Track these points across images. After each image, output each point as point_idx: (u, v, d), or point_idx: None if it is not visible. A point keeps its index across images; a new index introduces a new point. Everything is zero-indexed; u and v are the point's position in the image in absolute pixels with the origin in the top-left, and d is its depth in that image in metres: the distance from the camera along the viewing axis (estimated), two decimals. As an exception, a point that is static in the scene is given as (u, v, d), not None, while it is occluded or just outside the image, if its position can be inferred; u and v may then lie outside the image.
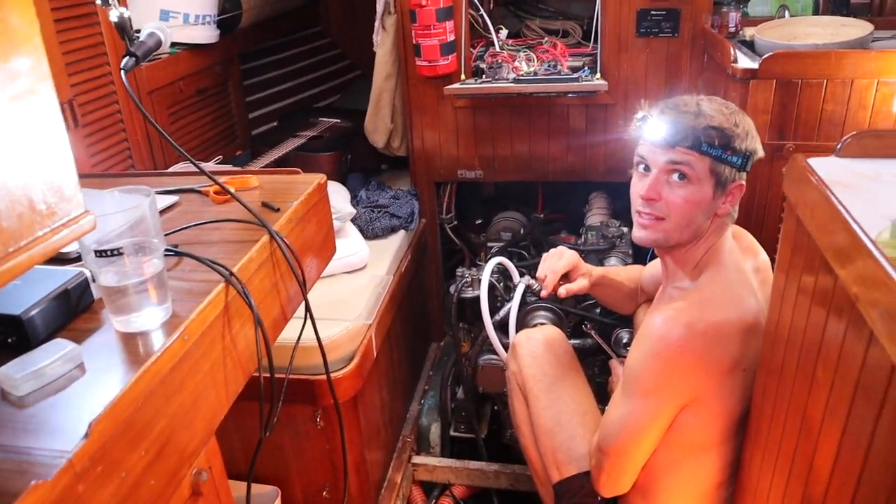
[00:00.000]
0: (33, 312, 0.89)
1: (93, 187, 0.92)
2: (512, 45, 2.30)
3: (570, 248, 2.18)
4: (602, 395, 1.96)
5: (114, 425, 0.76)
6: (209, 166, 2.37)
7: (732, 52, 1.81)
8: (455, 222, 2.64)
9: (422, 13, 2.08)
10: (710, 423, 1.32)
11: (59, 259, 1.10)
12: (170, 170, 2.30)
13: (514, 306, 1.98)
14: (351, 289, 1.95)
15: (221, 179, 1.38)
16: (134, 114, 2.26)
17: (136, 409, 0.80)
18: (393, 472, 2.16)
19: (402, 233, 2.28)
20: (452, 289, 2.11)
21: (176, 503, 0.89)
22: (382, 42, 2.34)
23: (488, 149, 2.40)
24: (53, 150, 0.69)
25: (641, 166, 1.39)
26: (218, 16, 2.42)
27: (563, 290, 1.76)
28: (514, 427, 1.76)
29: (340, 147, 2.45)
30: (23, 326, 0.88)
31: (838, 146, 1.09)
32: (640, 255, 2.29)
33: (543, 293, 1.78)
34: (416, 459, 2.24)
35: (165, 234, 1.17)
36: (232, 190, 1.22)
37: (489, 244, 2.42)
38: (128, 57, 1.11)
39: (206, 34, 2.37)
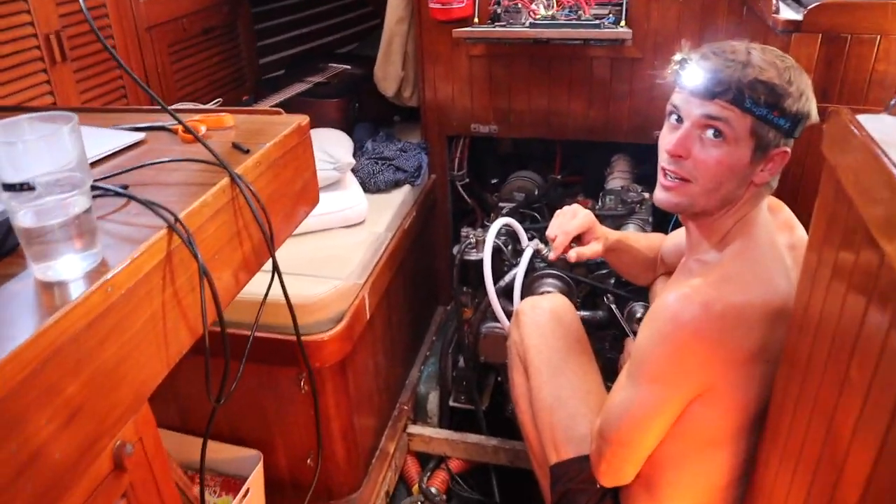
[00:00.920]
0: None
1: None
2: (534, -11, 2.13)
3: (585, 210, 2.03)
4: (611, 372, 1.83)
5: (5, 387, 0.64)
6: (208, 108, 2.23)
7: (774, 1, 1.62)
8: (467, 180, 2.49)
9: (436, -51, 1.92)
10: (722, 417, 1.18)
11: None
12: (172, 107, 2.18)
13: (520, 272, 1.84)
14: (346, 244, 1.82)
15: (195, 117, 1.25)
16: (130, 49, 2.13)
17: (36, 370, 0.67)
18: (386, 440, 2.05)
19: (406, 188, 2.13)
20: (455, 250, 1.98)
21: (91, 479, 0.77)
22: (395, -19, 2.18)
23: (504, 101, 2.24)
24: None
25: (674, 116, 1.22)
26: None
27: (573, 254, 1.60)
28: (513, 401, 1.64)
29: (348, 94, 2.30)
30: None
31: (892, 102, 0.92)
32: (661, 222, 2.12)
33: (552, 255, 1.61)
34: (412, 429, 2.13)
35: (119, 173, 1.05)
36: (192, 128, 1.09)
37: (500, 204, 2.27)
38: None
39: (208, -33, 2.22)
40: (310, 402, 1.70)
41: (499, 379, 2.18)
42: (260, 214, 1.04)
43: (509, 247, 1.98)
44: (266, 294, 1.15)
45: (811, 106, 1.16)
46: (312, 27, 3.13)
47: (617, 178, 2.37)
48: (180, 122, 1.04)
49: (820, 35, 1.52)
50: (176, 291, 0.89)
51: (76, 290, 0.76)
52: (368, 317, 1.77)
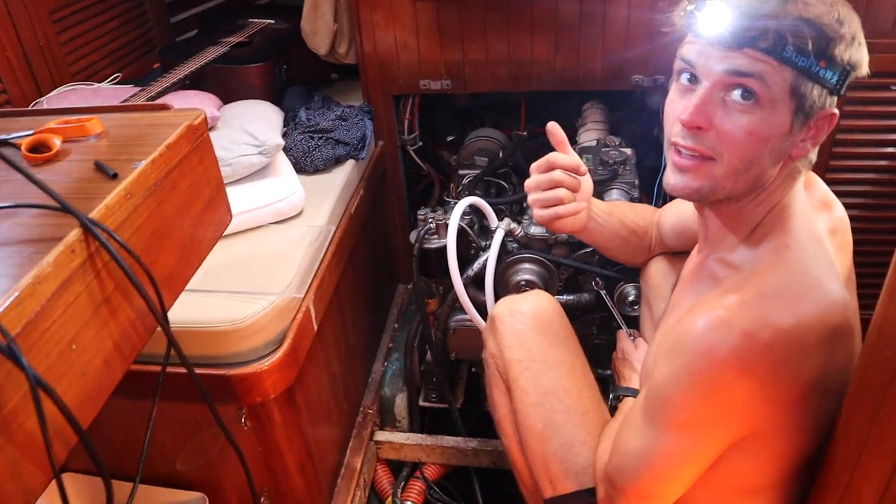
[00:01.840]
0: None
1: None
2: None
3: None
4: (600, 359, 1.59)
5: None
6: (104, 87, 1.88)
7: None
8: (420, 143, 2.17)
9: None
10: (767, 463, 0.94)
11: None
12: (53, 94, 1.82)
13: (490, 258, 1.57)
14: (281, 245, 1.51)
15: (50, 124, 0.93)
16: (2, 22, 1.75)
17: None
18: (352, 454, 1.80)
19: (350, 164, 1.82)
20: (413, 237, 1.69)
21: None
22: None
23: (457, 52, 1.92)
24: None
25: (685, 75, 0.94)
26: None
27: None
28: (495, 423, 1.38)
29: (274, 55, 1.95)
30: None
31: None
32: (647, 184, 1.86)
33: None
34: (380, 436, 1.88)
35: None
36: (41, 143, 0.78)
37: (461, 171, 1.97)
38: None
39: None
40: (256, 439, 1.43)
41: (473, 370, 1.93)
42: (135, 272, 0.74)
43: (475, 227, 1.70)
44: (163, 369, 0.86)
45: (863, 53, 0.89)
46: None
47: (591, 130, 2.08)
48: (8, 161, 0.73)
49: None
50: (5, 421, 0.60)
51: None
52: (316, 329, 1.49)
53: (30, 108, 1.75)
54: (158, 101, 1.52)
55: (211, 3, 2.54)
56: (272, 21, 2.11)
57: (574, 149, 2.08)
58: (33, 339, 0.62)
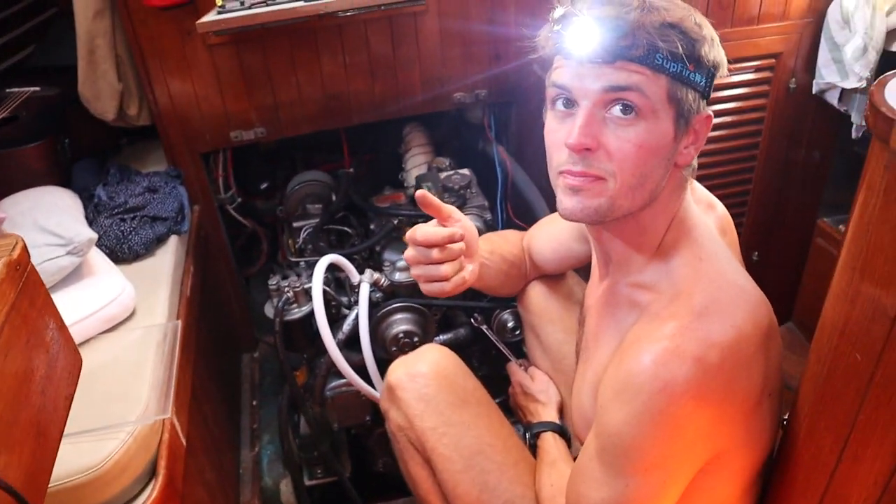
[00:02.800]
0: None
1: None
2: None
3: (407, 215, 1.66)
4: (489, 391, 1.52)
5: None
6: None
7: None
8: (239, 199, 1.98)
9: None
10: (732, 478, 0.92)
11: None
12: None
13: (362, 316, 1.44)
14: (122, 358, 1.27)
15: None
16: None
17: None
18: (242, 565, 1.58)
19: (172, 240, 1.59)
20: (269, 310, 1.51)
21: None
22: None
23: (267, 97, 1.75)
24: None
25: (560, 101, 0.88)
26: None
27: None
28: (418, 499, 1.26)
29: (51, 129, 1.65)
30: None
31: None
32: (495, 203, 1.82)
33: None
34: (270, 533, 1.67)
35: None
36: None
37: (294, 224, 1.80)
38: None
39: None
40: None
41: (353, 433, 1.77)
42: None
43: (331, 284, 1.55)
44: None
45: (723, 54, 0.89)
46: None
47: (417, 155, 2.01)
48: None
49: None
50: None
51: None
52: (185, 444, 1.27)
53: None
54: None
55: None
56: (37, 88, 1.79)
57: (402, 175, 2.03)
58: None
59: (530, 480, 1.15)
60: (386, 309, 1.47)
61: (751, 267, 1.05)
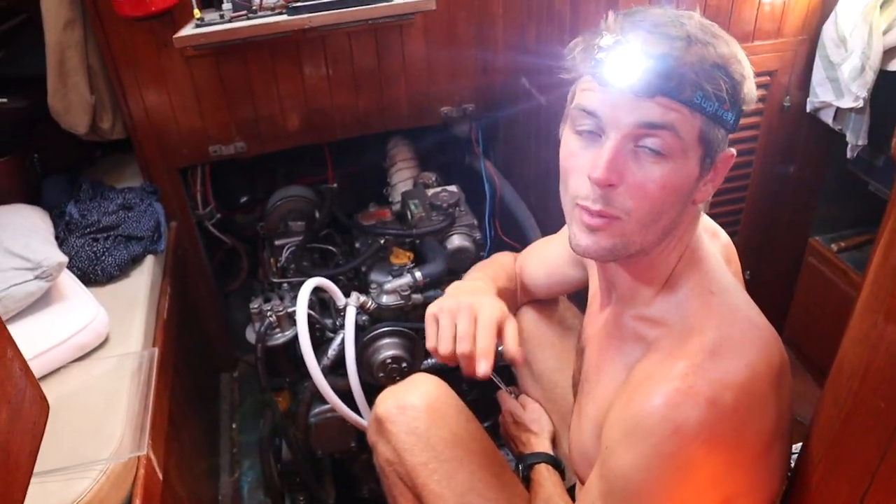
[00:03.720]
0: None
1: None
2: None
3: (394, 234, 1.60)
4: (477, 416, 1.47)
5: None
6: None
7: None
8: (218, 215, 1.91)
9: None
10: (744, 521, 0.87)
11: None
12: None
13: (348, 340, 1.39)
14: (95, 389, 1.20)
15: None
16: None
17: None
18: None
19: (148, 260, 1.52)
20: (250, 334, 1.45)
21: None
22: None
23: (248, 110, 1.69)
24: None
25: (586, 126, 0.83)
26: None
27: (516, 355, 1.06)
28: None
29: (18, 143, 1.58)
30: None
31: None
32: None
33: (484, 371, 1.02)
34: (251, 564, 1.61)
35: None
36: None
37: (277, 242, 1.74)
38: None
39: None
40: None
41: (337, 458, 1.71)
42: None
43: (315, 307, 1.49)
44: None
45: (755, 89, 0.85)
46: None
47: (403, 169, 1.96)
48: None
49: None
50: None
51: None
52: (162, 478, 1.20)
53: None
54: None
55: None
56: (4, 100, 1.71)
57: (387, 190, 1.97)
58: None
59: (526, 513, 1.10)
60: (373, 333, 1.42)
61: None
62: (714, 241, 1.01)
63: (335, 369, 1.43)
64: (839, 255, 1.73)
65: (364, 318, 1.47)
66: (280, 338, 1.42)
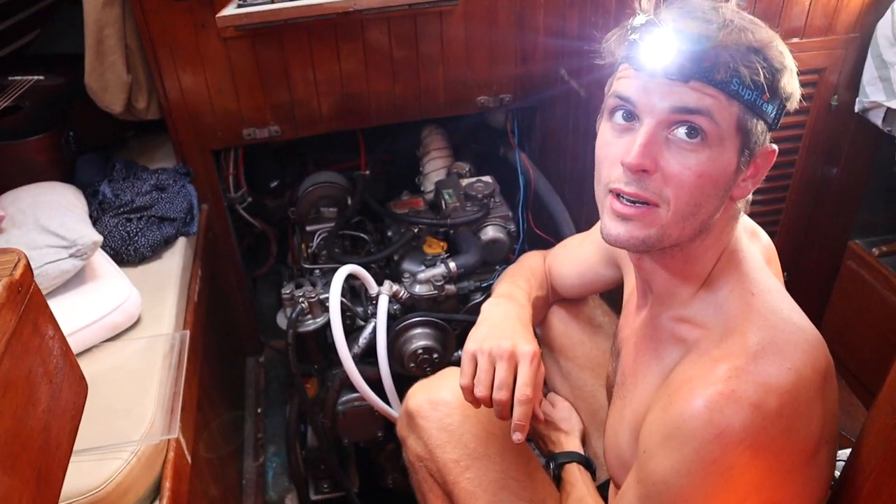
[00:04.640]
0: None
1: None
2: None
3: (428, 223, 1.58)
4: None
5: None
6: None
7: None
8: (248, 199, 1.90)
9: None
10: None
11: None
12: None
13: (380, 329, 1.37)
14: (126, 370, 1.20)
15: None
16: None
17: None
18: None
19: (181, 242, 1.52)
20: (281, 320, 1.44)
21: None
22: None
23: (283, 93, 1.67)
24: None
25: (621, 113, 0.81)
26: None
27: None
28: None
29: (55, 120, 1.58)
30: None
31: None
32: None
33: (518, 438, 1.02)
34: (274, 549, 1.61)
35: None
36: None
37: (308, 228, 1.73)
38: None
39: None
40: None
41: (362, 447, 1.71)
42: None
43: (346, 294, 1.48)
44: None
45: (797, 85, 0.82)
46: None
47: (436, 158, 1.94)
48: None
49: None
50: None
51: None
52: (191, 462, 1.20)
53: None
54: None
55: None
56: (41, 77, 1.71)
57: (420, 179, 1.95)
58: None
59: (559, 516, 1.08)
60: (405, 323, 1.41)
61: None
62: (754, 242, 0.98)
63: (365, 358, 1.42)
64: (880, 259, 1.68)
65: (395, 307, 1.45)
66: (311, 324, 1.41)
